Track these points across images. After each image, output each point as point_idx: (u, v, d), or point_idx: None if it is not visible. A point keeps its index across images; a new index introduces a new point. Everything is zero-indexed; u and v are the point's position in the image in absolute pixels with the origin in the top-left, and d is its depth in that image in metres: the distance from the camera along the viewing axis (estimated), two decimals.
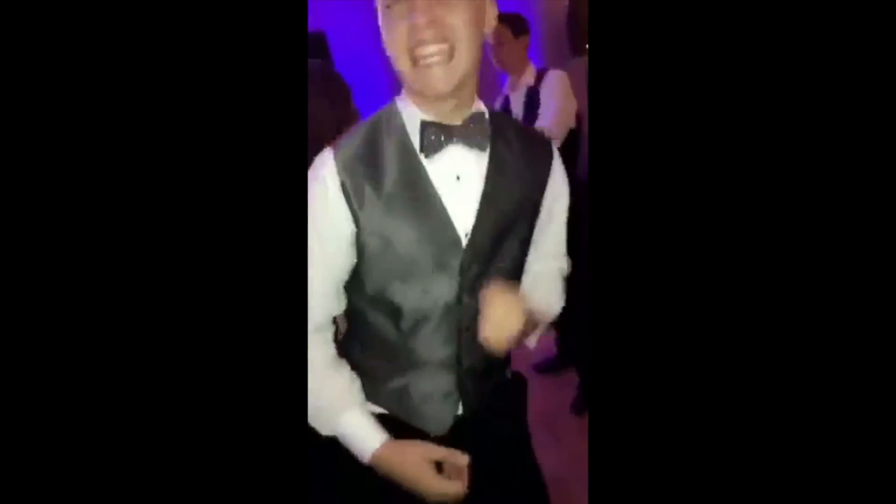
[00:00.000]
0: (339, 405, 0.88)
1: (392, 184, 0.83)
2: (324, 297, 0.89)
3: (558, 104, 2.22)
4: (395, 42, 0.77)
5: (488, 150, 0.87)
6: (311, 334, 0.88)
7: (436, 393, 0.93)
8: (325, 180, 0.83)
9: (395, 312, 0.89)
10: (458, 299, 0.88)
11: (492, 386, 1.00)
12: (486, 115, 0.88)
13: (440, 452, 0.86)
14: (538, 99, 2.31)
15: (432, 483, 0.84)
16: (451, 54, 0.76)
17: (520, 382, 1.10)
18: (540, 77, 2.33)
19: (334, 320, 0.95)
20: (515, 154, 0.90)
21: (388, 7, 0.77)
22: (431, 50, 0.76)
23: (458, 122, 0.84)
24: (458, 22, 0.75)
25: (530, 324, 0.91)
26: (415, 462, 0.85)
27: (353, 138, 0.85)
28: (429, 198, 0.84)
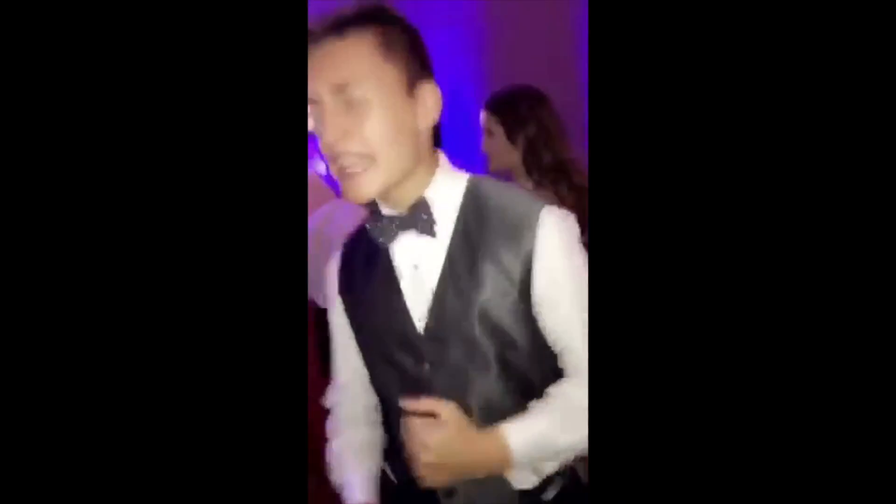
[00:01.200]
0: (348, 462, 0.90)
1: (369, 278, 0.86)
2: (349, 366, 0.93)
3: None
4: (325, 159, 0.77)
5: (448, 236, 0.81)
6: (342, 388, 0.95)
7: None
8: (327, 280, 0.93)
9: (378, 394, 0.91)
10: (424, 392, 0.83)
11: None
12: (444, 200, 0.81)
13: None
14: None
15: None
16: (373, 160, 0.74)
17: None
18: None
19: None
20: (488, 232, 0.80)
21: (312, 115, 0.75)
22: (350, 162, 0.74)
23: (404, 210, 0.80)
24: (375, 130, 0.73)
25: (503, 463, 0.77)
26: None
27: (353, 235, 0.92)
28: (390, 285, 0.83)
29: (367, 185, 0.75)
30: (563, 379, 0.83)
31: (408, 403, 0.78)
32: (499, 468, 0.78)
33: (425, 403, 0.77)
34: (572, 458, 0.83)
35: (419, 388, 0.81)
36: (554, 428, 0.78)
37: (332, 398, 0.96)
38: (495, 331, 0.80)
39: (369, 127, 0.73)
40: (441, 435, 0.74)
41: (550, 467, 0.82)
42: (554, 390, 0.81)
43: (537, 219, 0.79)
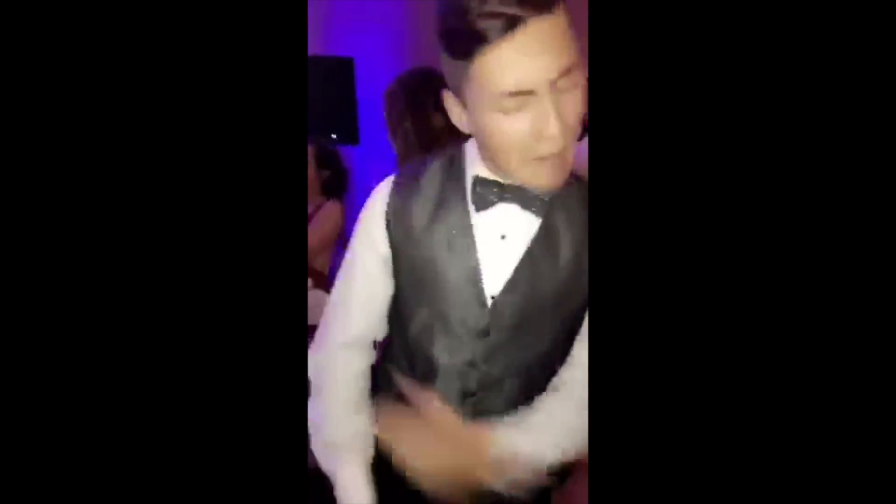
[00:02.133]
0: (345, 455, 0.87)
1: (437, 228, 0.82)
2: (361, 312, 0.89)
3: None
4: (508, 143, 0.71)
5: (543, 213, 0.81)
6: (342, 346, 0.90)
7: None
8: (374, 201, 0.86)
9: (413, 354, 0.88)
10: (471, 363, 0.84)
11: None
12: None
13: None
14: None
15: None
16: (564, 151, 0.72)
17: None
18: None
19: (375, 345, 0.94)
20: (577, 224, 0.81)
21: (504, 110, 0.69)
22: (554, 151, 0.70)
23: (516, 181, 0.79)
24: (576, 121, 0.71)
25: (495, 467, 0.78)
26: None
27: (416, 170, 0.86)
28: (466, 251, 0.81)
29: (557, 174, 0.74)
30: (557, 393, 0.84)
31: (411, 391, 0.80)
32: (476, 471, 0.78)
33: (427, 398, 0.79)
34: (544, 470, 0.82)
35: (466, 358, 0.82)
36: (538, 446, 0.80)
37: (337, 354, 0.90)
38: (553, 321, 0.82)
39: (575, 117, 0.70)
40: (428, 441, 0.77)
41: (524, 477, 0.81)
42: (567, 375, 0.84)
43: None
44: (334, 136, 2.41)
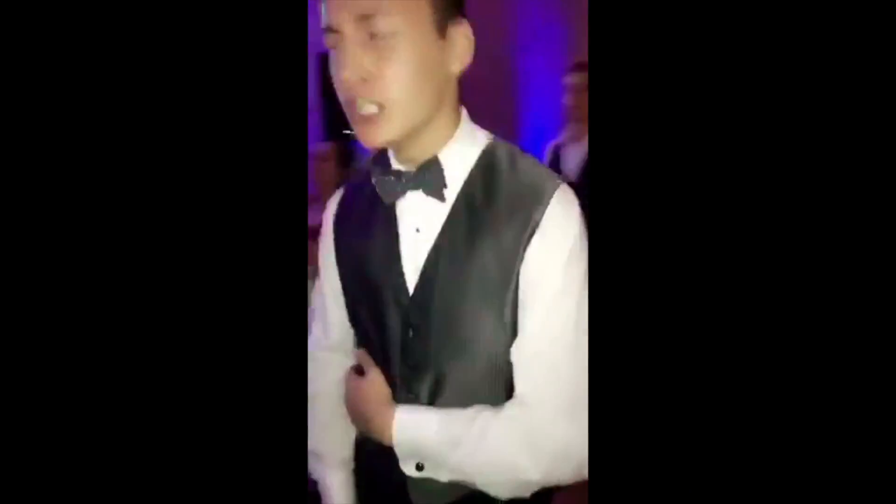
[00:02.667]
0: (330, 461, 0.90)
1: (369, 226, 0.82)
2: (332, 320, 0.91)
3: None
4: (337, 90, 0.70)
5: (455, 202, 0.75)
6: (319, 354, 0.92)
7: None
8: (327, 206, 0.89)
9: (363, 343, 0.88)
10: (403, 359, 0.80)
11: None
12: (455, 161, 0.76)
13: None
14: None
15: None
16: (393, 103, 0.67)
17: None
18: None
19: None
20: (495, 203, 0.74)
21: (329, 49, 0.69)
22: (365, 107, 0.68)
23: (414, 167, 0.76)
24: (398, 76, 0.66)
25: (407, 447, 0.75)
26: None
27: (361, 169, 0.90)
28: (388, 248, 0.79)
29: (384, 132, 0.69)
30: (511, 400, 0.74)
31: (358, 353, 0.84)
32: (381, 439, 0.77)
33: (364, 359, 0.82)
34: (475, 484, 0.74)
35: (401, 350, 0.79)
36: (444, 440, 0.72)
37: (314, 362, 0.90)
38: (482, 310, 0.74)
39: (394, 66, 0.66)
40: (355, 387, 0.81)
41: (443, 475, 0.75)
42: (486, 412, 0.73)
43: (551, 196, 0.72)
44: (348, 132, 2.44)
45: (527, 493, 0.75)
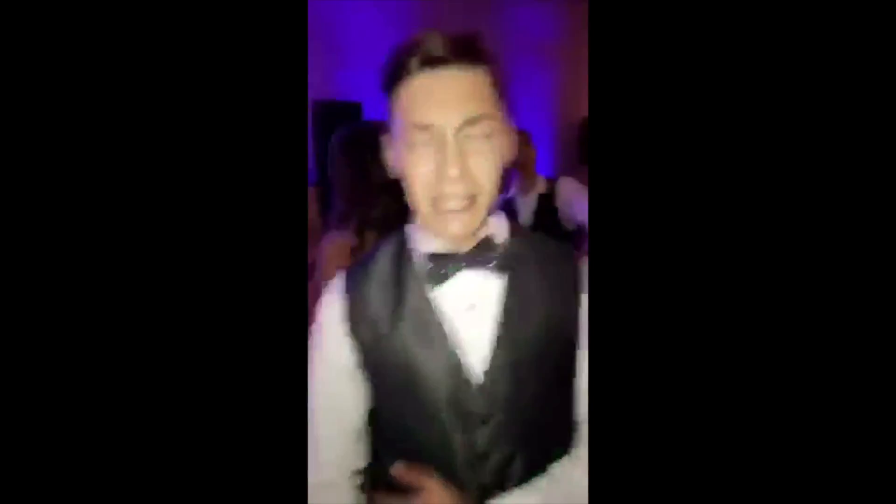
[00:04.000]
0: None
1: (400, 316, 0.78)
2: (331, 445, 0.81)
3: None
4: (417, 184, 0.73)
5: (507, 273, 0.79)
6: (317, 490, 0.80)
7: None
8: (328, 305, 0.83)
9: (402, 454, 0.80)
10: (477, 454, 0.76)
11: None
12: (500, 236, 0.81)
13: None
14: (553, 206, 2.36)
15: None
16: (473, 201, 0.72)
17: None
18: (551, 186, 2.39)
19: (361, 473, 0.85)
20: (537, 272, 0.80)
21: (412, 144, 0.72)
22: (457, 202, 0.71)
23: (465, 248, 0.79)
24: (486, 171, 0.72)
25: None
26: None
27: (365, 265, 0.84)
28: (437, 329, 0.77)
29: (473, 221, 0.73)
30: (570, 457, 0.80)
31: (397, 469, 0.76)
32: None
33: (413, 475, 0.76)
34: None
35: (470, 452, 0.75)
36: None
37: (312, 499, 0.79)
38: (552, 380, 0.79)
39: (489, 163, 0.72)
40: None
41: None
42: (559, 472, 0.78)
43: (571, 253, 0.83)
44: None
45: None
